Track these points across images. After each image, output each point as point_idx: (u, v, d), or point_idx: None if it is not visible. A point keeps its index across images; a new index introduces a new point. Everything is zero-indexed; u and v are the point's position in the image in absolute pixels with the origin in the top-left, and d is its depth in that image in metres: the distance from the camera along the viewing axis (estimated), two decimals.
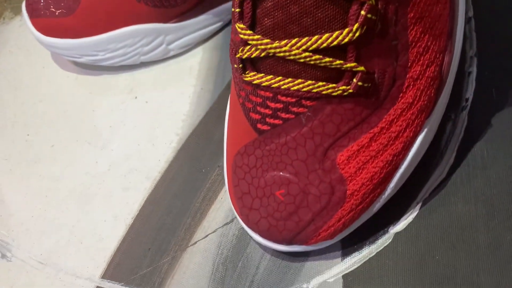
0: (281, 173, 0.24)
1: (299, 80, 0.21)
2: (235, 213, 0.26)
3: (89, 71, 0.37)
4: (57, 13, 0.33)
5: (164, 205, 0.30)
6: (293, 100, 0.22)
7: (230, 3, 0.35)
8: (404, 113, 0.22)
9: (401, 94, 0.22)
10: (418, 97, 0.22)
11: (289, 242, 0.24)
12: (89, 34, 0.34)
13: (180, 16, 0.34)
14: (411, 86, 0.22)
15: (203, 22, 0.35)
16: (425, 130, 0.24)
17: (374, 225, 0.26)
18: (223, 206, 0.29)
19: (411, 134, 0.23)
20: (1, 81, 0.38)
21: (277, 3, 0.20)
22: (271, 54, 0.21)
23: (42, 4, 0.33)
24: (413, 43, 0.21)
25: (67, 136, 0.34)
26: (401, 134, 0.23)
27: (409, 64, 0.21)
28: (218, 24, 0.36)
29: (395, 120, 0.22)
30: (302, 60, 0.21)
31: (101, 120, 0.34)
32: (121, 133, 0.33)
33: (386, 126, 0.22)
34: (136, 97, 0.35)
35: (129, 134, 0.33)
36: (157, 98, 0.34)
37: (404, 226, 0.26)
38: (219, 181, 0.30)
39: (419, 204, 0.26)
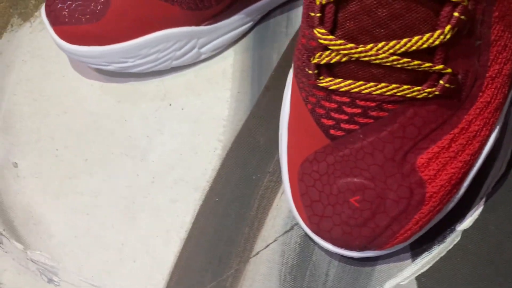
0: (355, 179, 0.23)
1: (383, 84, 0.21)
2: (300, 221, 0.26)
3: (115, 78, 0.35)
4: (83, 20, 0.31)
5: (218, 216, 0.29)
6: (373, 104, 0.21)
7: (261, 2, 0.34)
8: (482, 112, 0.22)
9: (480, 94, 0.22)
10: (495, 95, 0.22)
11: (362, 248, 0.24)
12: (119, 40, 0.32)
13: (212, 18, 0.33)
14: (490, 85, 0.22)
15: (234, 23, 0.34)
16: (498, 126, 0.24)
17: (441, 224, 0.26)
18: (280, 214, 0.28)
19: (487, 133, 0.23)
20: (19, 93, 0.36)
21: (364, 7, 0.19)
22: (353, 59, 0.20)
23: (66, 10, 0.31)
24: (494, 42, 0.21)
25: (100, 148, 0.32)
26: (478, 133, 0.22)
27: (489, 63, 0.21)
28: (249, 24, 0.35)
29: (474, 119, 0.22)
30: (388, 64, 0.20)
31: (136, 130, 0.33)
32: (160, 143, 0.32)
33: (466, 127, 0.22)
34: (170, 104, 0.33)
35: (168, 144, 0.32)
36: (193, 104, 0.33)
37: (471, 223, 0.26)
38: (271, 188, 0.29)
39: (483, 200, 0.26)
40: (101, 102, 0.34)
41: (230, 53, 0.35)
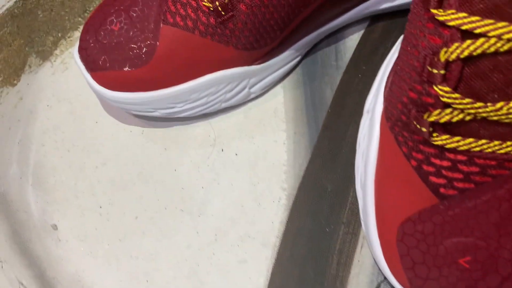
0: (466, 239, 0.22)
1: (509, 143, 0.19)
2: (395, 283, 0.24)
3: (156, 123, 0.32)
4: (127, 65, 0.28)
5: (294, 276, 0.27)
6: (494, 163, 0.20)
7: (311, 35, 0.32)
8: None
9: None
10: None
11: None
12: (167, 85, 0.29)
13: (264, 56, 0.31)
14: None
15: (284, 60, 0.32)
16: None
17: None
18: (363, 270, 0.26)
19: None
20: (48, 144, 0.32)
21: (497, 65, 0.17)
22: (478, 117, 0.19)
23: (105, 55, 0.28)
24: None
25: (151, 204, 0.30)
26: None
27: None
28: (297, 59, 0.33)
29: None
30: None
31: (188, 180, 0.30)
32: (217, 194, 0.29)
33: None
34: (222, 150, 0.31)
35: (227, 195, 0.29)
36: (247, 148, 0.31)
37: None
38: (349, 241, 0.27)
39: None
40: (144, 150, 0.31)
41: (279, 90, 0.33)
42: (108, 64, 0.28)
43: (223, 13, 0.27)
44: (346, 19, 0.32)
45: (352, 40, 0.34)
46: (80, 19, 0.37)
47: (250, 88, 0.31)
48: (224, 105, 0.31)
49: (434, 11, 0.18)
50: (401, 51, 0.22)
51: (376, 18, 0.34)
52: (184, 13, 0.27)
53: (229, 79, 0.30)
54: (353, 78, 0.32)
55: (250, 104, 0.32)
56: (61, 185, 0.31)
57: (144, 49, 0.28)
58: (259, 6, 0.27)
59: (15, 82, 0.35)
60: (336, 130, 0.31)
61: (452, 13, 0.17)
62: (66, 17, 0.38)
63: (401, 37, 0.27)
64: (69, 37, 0.36)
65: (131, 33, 0.28)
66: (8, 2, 0.39)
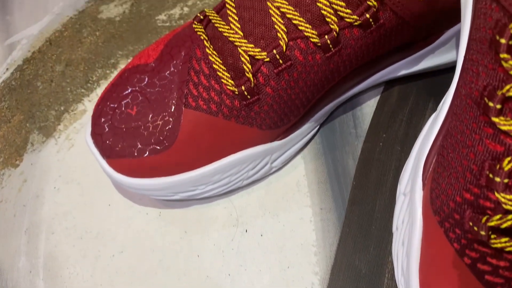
0: None
1: None
2: None
3: (174, 203, 0.31)
4: (147, 151, 0.27)
5: None
6: None
7: (329, 105, 0.31)
8: None
9: None
10: None
11: None
12: (188, 169, 0.28)
13: (286, 131, 0.30)
14: None
15: (305, 132, 0.31)
16: None
17: None
18: None
19: None
20: (57, 231, 0.30)
21: None
22: None
23: (122, 142, 0.27)
24: None
25: None
26: None
27: None
28: (316, 130, 0.32)
29: None
30: None
31: (213, 267, 0.28)
32: (246, 281, 0.28)
33: None
34: (246, 230, 0.29)
35: (256, 281, 0.28)
36: (273, 228, 0.29)
37: None
38: None
39: None
40: (164, 235, 0.30)
41: (299, 161, 0.32)
42: (126, 151, 0.27)
43: (248, 97, 0.26)
44: (363, 87, 0.32)
45: (369, 106, 0.33)
46: (83, 90, 0.36)
47: (272, 163, 0.30)
48: (246, 182, 0.30)
49: (496, 119, 0.17)
50: (448, 145, 0.21)
51: (391, 81, 0.34)
52: (207, 96, 0.26)
53: (252, 158, 0.29)
54: (374, 147, 0.32)
55: (271, 178, 0.31)
56: (76, 277, 0.29)
57: (165, 134, 0.27)
58: (285, 89, 0.26)
59: (18, 162, 0.33)
60: (364, 204, 0.30)
61: None
62: (68, 88, 0.36)
63: (433, 116, 0.27)
64: (72, 111, 0.35)
65: (150, 118, 0.27)
66: (4, 73, 0.37)
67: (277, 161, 0.31)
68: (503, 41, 0.16)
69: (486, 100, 0.18)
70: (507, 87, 0.17)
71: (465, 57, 0.21)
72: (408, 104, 0.33)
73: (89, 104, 0.35)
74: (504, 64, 0.17)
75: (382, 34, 0.26)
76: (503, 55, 0.17)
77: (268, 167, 0.30)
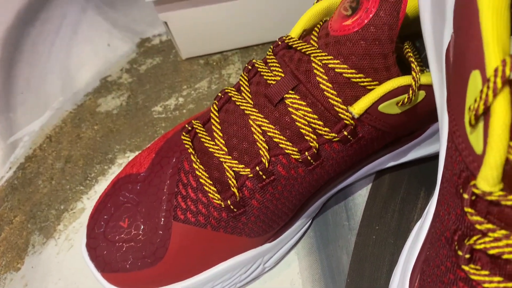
0: None
1: None
2: None
3: None
4: (139, 265, 0.27)
5: None
6: None
7: (319, 201, 0.31)
8: None
9: None
10: None
11: None
12: (180, 279, 0.28)
13: (276, 234, 0.30)
14: None
15: (296, 229, 0.31)
16: None
17: None
18: None
19: None
20: None
21: None
22: None
23: (116, 256, 0.28)
24: None
25: None
26: None
27: None
28: (308, 224, 0.32)
29: None
30: None
31: None
32: None
33: None
34: None
35: None
36: None
37: None
38: None
39: None
40: None
41: (293, 258, 0.32)
42: (119, 265, 0.28)
43: (235, 210, 0.26)
44: (353, 179, 0.32)
45: (361, 196, 0.34)
46: (81, 187, 0.37)
47: (264, 263, 0.31)
48: (239, 285, 0.30)
49: (466, 268, 0.18)
50: (427, 273, 0.21)
51: (382, 171, 0.34)
52: (195, 209, 0.27)
53: (244, 263, 0.29)
54: (368, 240, 0.32)
55: (265, 276, 0.31)
56: None
57: (156, 247, 0.27)
58: (270, 200, 0.27)
59: (19, 266, 0.34)
60: None
61: (486, 275, 0.17)
62: (67, 186, 0.37)
63: (418, 223, 0.27)
64: (71, 209, 0.36)
65: (141, 230, 0.28)
66: (7, 172, 0.38)
67: (270, 261, 0.31)
68: (466, 196, 0.17)
69: (456, 247, 0.18)
70: (474, 238, 0.17)
71: (440, 188, 0.21)
72: (399, 193, 0.33)
73: (87, 202, 0.36)
74: (469, 217, 0.17)
75: (363, 144, 0.26)
76: (467, 209, 0.17)
77: (261, 268, 0.30)
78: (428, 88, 0.25)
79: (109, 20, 0.46)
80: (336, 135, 0.25)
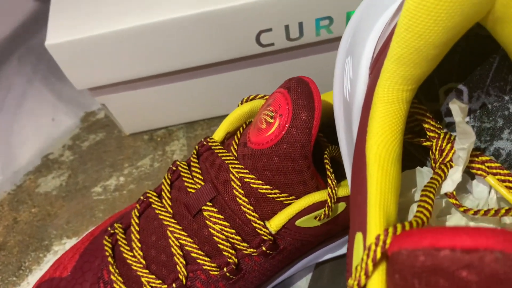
0: None
1: None
2: None
3: None
4: None
5: None
6: None
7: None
8: None
9: None
10: None
11: None
12: None
13: None
14: None
15: None
16: None
17: None
18: None
19: None
20: None
21: None
22: None
23: None
24: None
25: None
26: None
27: None
28: None
29: None
30: None
31: None
32: None
33: None
34: None
35: None
36: None
37: None
38: None
39: None
40: None
41: None
42: None
43: None
44: (291, 273, 0.31)
45: (302, 286, 0.32)
46: (14, 278, 0.35)
47: None
48: None
49: None
50: None
51: (321, 262, 0.33)
52: None
53: None
54: None
55: None
56: None
57: None
58: None
59: None
60: None
61: None
62: (0, 277, 0.35)
63: None
64: None
65: None
66: None
67: None
68: None
69: None
70: None
71: None
72: (340, 284, 0.32)
73: None
74: None
75: (286, 255, 0.26)
76: None
77: None
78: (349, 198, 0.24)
79: (55, 92, 0.46)
80: (255, 250, 0.24)
